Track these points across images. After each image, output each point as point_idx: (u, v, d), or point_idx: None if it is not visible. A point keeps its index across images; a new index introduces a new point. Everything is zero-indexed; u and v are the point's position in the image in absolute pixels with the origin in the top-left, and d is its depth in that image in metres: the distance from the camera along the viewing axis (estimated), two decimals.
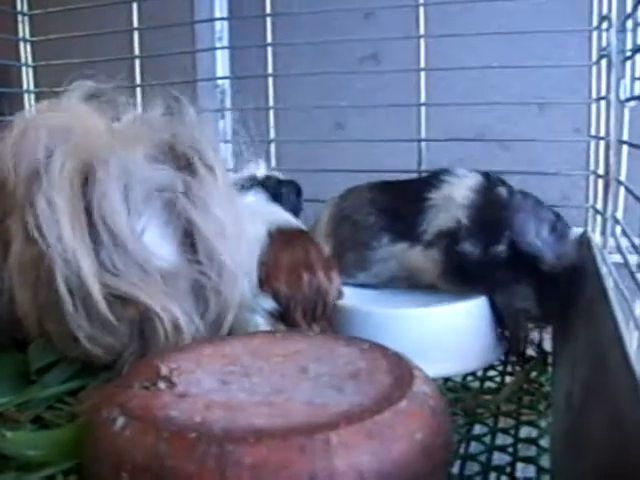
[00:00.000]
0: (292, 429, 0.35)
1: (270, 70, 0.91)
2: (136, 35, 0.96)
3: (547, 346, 0.72)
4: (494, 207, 0.65)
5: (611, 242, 0.70)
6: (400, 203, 0.69)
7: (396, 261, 0.69)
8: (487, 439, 0.52)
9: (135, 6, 0.95)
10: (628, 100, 0.63)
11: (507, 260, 0.64)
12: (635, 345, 0.45)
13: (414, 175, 0.82)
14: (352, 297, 0.70)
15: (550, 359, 0.68)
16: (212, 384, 0.42)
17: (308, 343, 0.49)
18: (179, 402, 0.39)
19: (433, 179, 0.69)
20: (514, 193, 0.65)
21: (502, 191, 0.65)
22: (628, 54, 0.63)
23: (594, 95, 0.77)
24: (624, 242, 0.63)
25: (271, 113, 0.92)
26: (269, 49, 0.91)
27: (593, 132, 0.77)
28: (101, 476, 0.37)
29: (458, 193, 0.66)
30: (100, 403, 0.41)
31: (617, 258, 0.61)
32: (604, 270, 0.57)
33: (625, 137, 0.66)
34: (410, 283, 0.71)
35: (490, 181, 0.67)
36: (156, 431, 0.36)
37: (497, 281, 0.66)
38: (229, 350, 0.47)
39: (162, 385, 0.41)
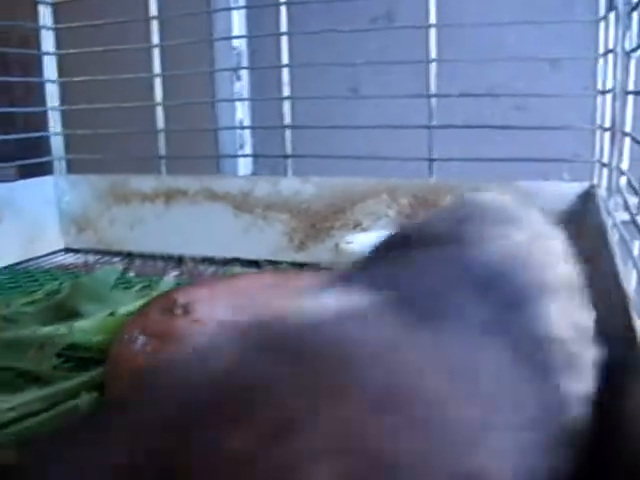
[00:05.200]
0: None
1: (284, 29, 0.92)
2: None
3: None
4: None
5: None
6: None
7: None
8: None
9: None
10: (634, 50, 0.64)
11: None
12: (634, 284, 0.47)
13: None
14: None
15: None
16: (225, 314, 0.44)
17: (318, 281, 0.51)
18: (194, 326, 0.42)
19: None
20: None
21: None
22: (634, 4, 0.64)
23: (602, 50, 0.78)
24: (632, 200, 0.63)
25: (285, 71, 0.93)
26: (283, 9, 0.92)
27: (600, 87, 0.78)
28: (122, 392, 0.40)
29: None
30: (121, 327, 0.44)
31: (624, 216, 0.62)
32: (608, 222, 0.58)
33: (631, 88, 0.66)
34: None
35: None
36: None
37: None
38: (244, 284, 0.50)
39: (179, 312, 0.44)
